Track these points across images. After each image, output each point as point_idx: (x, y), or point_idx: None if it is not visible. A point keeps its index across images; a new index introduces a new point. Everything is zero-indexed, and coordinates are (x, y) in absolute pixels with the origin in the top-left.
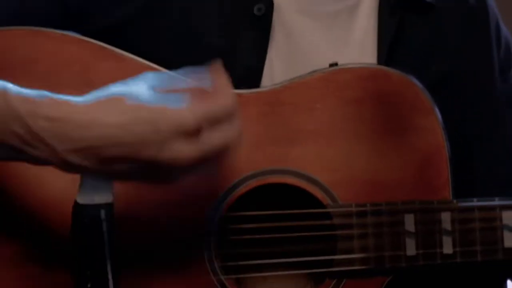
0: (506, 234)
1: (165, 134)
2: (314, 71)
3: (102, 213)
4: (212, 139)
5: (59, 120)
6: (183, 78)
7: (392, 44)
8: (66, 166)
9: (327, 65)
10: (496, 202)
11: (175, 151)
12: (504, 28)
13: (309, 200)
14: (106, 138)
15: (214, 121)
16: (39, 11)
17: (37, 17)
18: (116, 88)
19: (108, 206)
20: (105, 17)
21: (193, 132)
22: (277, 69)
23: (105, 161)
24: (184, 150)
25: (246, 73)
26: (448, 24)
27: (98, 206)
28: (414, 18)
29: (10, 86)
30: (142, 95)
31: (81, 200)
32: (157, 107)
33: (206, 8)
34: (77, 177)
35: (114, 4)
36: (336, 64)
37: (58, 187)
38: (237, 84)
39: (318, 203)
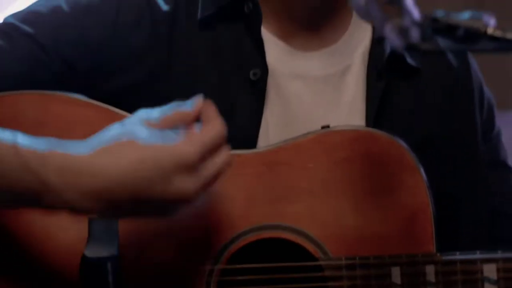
0: (487, 285)
1: (169, 170)
2: (307, 133)
3: (109, 265)
4: (211, 166)
5: (69, 171)
6: (174, 111)
7: (379, 107)
8: (77, 211)
9: (319, 127)
10: (477, 255)
11: (180, 185)
12: (487, 90)
13: (302, 253)
14: (114, 183)
15: (211, 150)
16: (47, 74)
17: (46, 79)
18: (115, 131)
19: (114, 259)
20: (111, 82)
21: (194, 165)
22: (272, 130)
23: (113, 203)
24: (188, 183)
25: (243, 134)
26: (432, 88)
27: (104, 259)
28: (400, 81)
29: (20, 138)
30: (140, 135)
31: (89, 253)
32: (157, 145)
33: (206, 72)
34: (83, 230)
35: (120, 70)
36: (327, 126)
37: (65, 241)
38: (235, 145)
39: (310, 257)
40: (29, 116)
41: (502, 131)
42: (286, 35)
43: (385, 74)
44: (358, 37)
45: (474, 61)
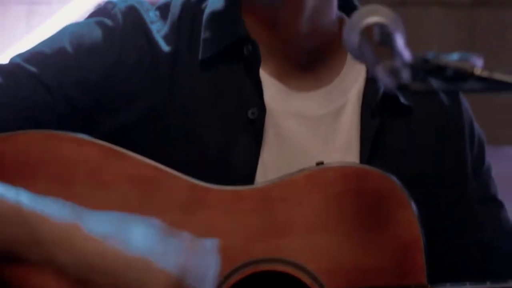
0: None
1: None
2: (303, 169)
3: None
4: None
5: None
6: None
7: (373, 144)
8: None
9: (314, 164)
10: (467, 286)
11: None
12: (477, 127)
13: (299, 286)
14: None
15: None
16: (52, 114)
17: (50, 118)
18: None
19: None
20: (112, 120)
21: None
22: (269, 167)
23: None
24: None
25: (242, 171)
26: (424, 126)
27: None
28: (394, 120)
29: (23, 198)
30: (140, 247)
31: None
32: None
33: (206, 110)
34: None
35: (121, 108)
36: (322, 163)
37: None
38: (233, 181)
39: None
40: (35, 155)
41: (493, 166)
42: (283, 76)
43: (379, 112)
44: (352, 77)
45: (465, 99)
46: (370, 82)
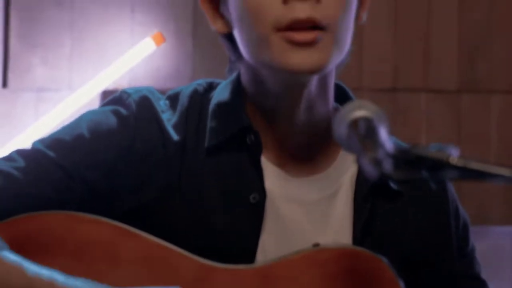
0: None
1: None
2: (299, 251)
3: None
4: None
5: None
6: None
7: (364, 226)
8: None
9: (311, 245)
10: None
11: None
12: (462, 210)
13: None
14: None
15: None
16: (70, 196)
17: (69, 200)
18: None
19: None
20: (126, 202)
21: None
22: (269, 247)
23: None
24: None
25: (243, 251)
26: (413, 209)
27: None
28: (385, 204)
29: (57, 277)
30: None
31: None
32: None
33: (211, 194)
34: None
35: (134, 191)
36: (318, 245)
37: None
38: (234, 260)
39: None
40: (55, 235)
41: (477, 245)
42: (282, 163)
43: (371, 197)
44: (346, 164)
45: (450, 185)
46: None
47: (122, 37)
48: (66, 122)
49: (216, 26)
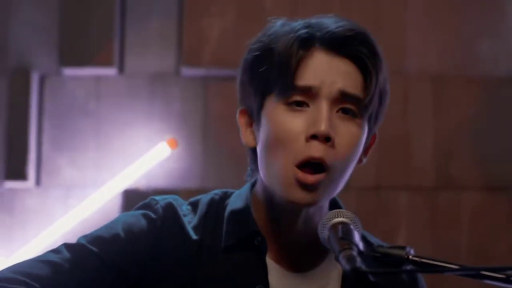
0: None
1: None
2: None
3: None
4: None
5: None
6: None
7: None
8: None
9: None
10: None
11: None
12: None
13: None
14: None
15: None
16: (107, 283)
17: (101, 286)
18: None
19: None
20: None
21: None
22: None
23: None
24: None
25: None
26: None
27: None
28: None
29: None
30: None
31: None
32: None
33: (225, 285)
34: None
35: (159, 281)
36: None
37: None
38: None
39: None
40: None
41: None
42: (282, 261)
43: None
44: (334, 262)
45: (420, 276)
46: None
47: (140, 142)
48: (92, 216)
49: (246, 139)
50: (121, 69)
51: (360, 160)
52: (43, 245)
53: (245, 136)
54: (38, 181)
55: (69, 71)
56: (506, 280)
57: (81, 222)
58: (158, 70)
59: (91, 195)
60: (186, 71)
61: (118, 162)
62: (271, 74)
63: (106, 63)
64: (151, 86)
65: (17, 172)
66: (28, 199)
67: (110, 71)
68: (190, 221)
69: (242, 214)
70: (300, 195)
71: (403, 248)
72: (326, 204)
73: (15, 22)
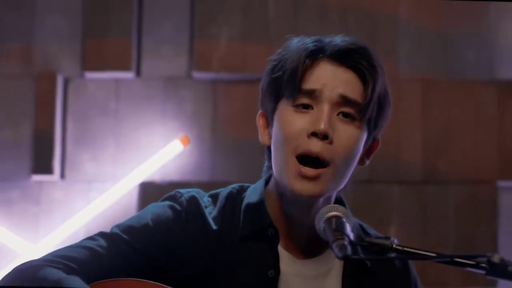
0: None
1: None
2: None
3: None
4: None
5: None
6: None
7: None
8: None
9: None
10: None
11: None
12: (420, 284)
13: None
14: None
15: None
16: (136, 267)
17: (135, 271)
18: None
19: None
20: (176, 273)
21: None
22: None
23: None
24: None
25: None
26: (384, 284)
27: None
28: (366, 278)
29: None
30: None
31: None
32: None
33: (240, 270)
34: None
35: (182, 266)
36: None
37: None
38: None
39: None
40: None
41: None
42: (291, 249)
43: (356, 273)
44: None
45: (412, 264)
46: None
47: (155, 139)
48: (111, 207)
49: (263, 138)
50: (138, 73)
51: (362, 162)
52: (67, 233)
53: (263, 136)
54: (62, 175)
55: (90, 75)
56: (475, 266)
57: (101, 212)
58: (171, 74)
59: (110, 188)
60: (197, 75)
61: (135, 158)
62: (283, 80)
63: (125, 67)
64: (165, 88)
65: (43, 166)
66: (53, 191)
67: (128, 75)
68: (210, 212)
69: (257, 207)
70: (303, 186)
71: (388, 238)
72: (332, 200)
73: (42, 29)
